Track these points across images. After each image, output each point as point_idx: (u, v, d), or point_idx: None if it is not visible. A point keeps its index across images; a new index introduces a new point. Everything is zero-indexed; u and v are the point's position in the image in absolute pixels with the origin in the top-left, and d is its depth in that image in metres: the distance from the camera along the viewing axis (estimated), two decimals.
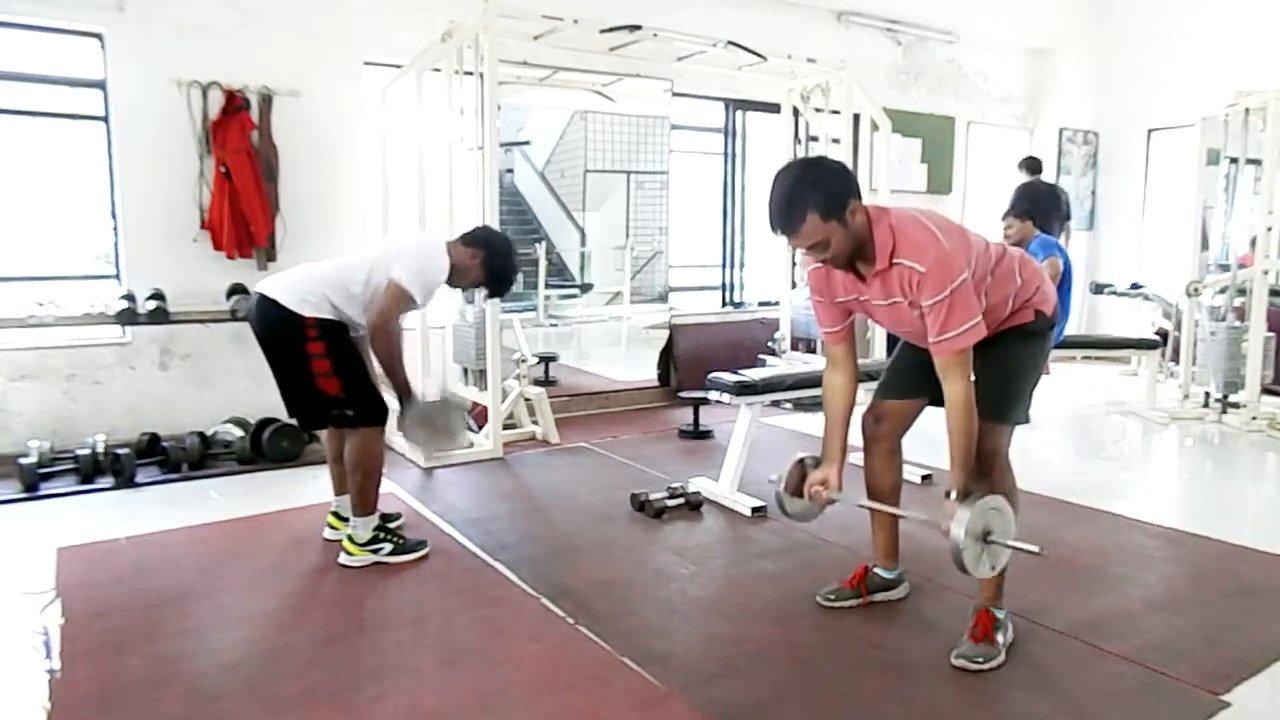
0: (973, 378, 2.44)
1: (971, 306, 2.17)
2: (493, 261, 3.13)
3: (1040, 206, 5.78)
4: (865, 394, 2.74)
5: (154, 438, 4.34)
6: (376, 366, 3.01)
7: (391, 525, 3.22)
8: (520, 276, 5.30)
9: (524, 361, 5.06)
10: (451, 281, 3.12)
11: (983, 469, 2.36)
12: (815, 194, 2.16)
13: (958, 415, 2.21)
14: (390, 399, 3.05)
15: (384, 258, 2.99)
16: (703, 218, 6.73)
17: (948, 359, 2.20)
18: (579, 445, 4.87)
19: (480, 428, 4.79)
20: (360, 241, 5.00)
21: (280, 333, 2.91)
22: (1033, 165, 6.96)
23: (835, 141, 5.61)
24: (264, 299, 2.92)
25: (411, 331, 4.34)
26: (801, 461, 2.63)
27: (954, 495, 2.21)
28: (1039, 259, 5.19)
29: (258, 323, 2.98)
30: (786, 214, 2.18)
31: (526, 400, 4.99)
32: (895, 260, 2.21)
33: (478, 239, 3.17)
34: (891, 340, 2.69)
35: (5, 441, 4.20)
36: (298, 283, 2.94)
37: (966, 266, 2.17)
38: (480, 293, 3.36)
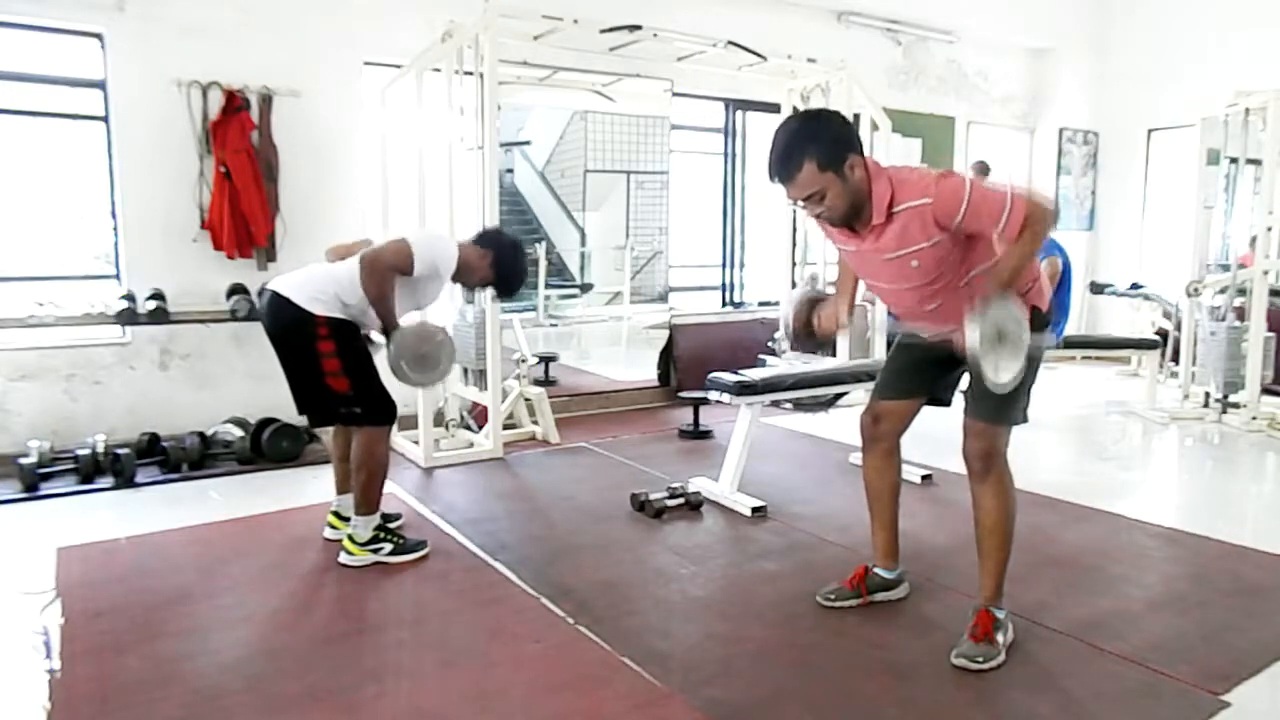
0: (966, 382, 2.44)
1: (997, 192, 2.12)
2: (502, 262, 3.15)
3: None
4: (865, 394, 2.74)
5: (154, 438, 4.34)
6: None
7: (392, 525, 3.23)
8: (525, 280, 5.30)
9: (524, 361, 5.06)
10: (460, 279, 3.14)
11: (982, 469, 2.37)
12: (814, 144, 2.18)
13: (1015, 249, 2.15)
14: (379, 337, 3.05)
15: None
16: (703, 218, 6.73)
17: (1021, 212, 2.11)
18: (579, 445, 4.87)
19: (480, 428, 4.79)
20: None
21: (291, 330, 2.93)
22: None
23: None
24: (276, 296, 2.94)
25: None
26: (809, 293, 2.67)
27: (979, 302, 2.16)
28: (1038, 258, 5.18)
29: (269, 320, 2.99)
30: (784, 162, 2.20)
31: (526, 400, 5.00)
32: (895, 209, 2.20)
33: (488, 240, 3.20)
34: (889, 340, 2.70)
35: (5, 441, 4.20)
36: (310, 282, 2.96)
37: (962, 181, 2.16)
38: (486, 293, 3.38)
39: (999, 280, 2.15)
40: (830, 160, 2.16)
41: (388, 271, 2.91)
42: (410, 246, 2.93)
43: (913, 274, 2.28)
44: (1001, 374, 2.16)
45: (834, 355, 5.73)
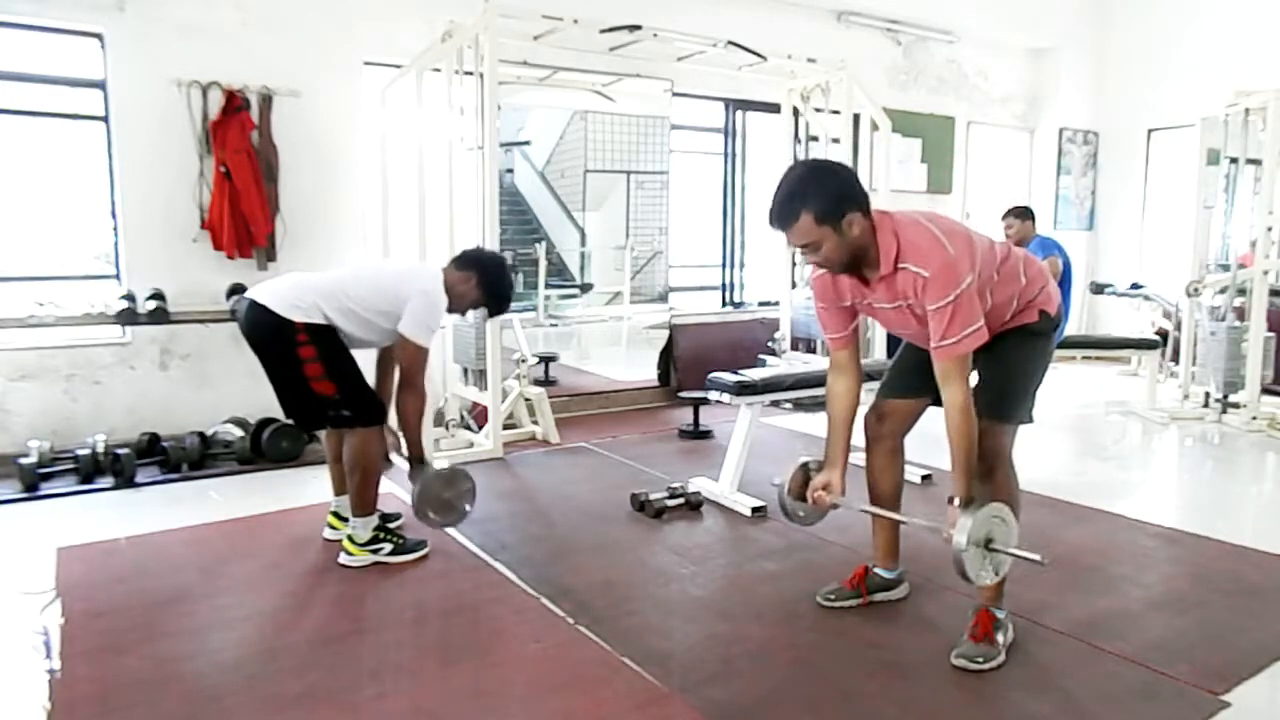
0: (975, 379, 2.45)
1: (974, 312, 2.18)
2: (487, 281, 3.14)
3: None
4: (868, 394, 2.74)
5: (154, 438, 4.34)
6: (393, 420, 3.08)
7: (391, 525, 3.22)
8: (520, 277, 5.31)
9: (524, 361, 5.06)
10: (451, 308, 3.13)
11: (986, 469, 2.37)
12: (814, 197, 2.18)
13: (957, 420, 2.21)
14: (402, 463, 3.11)
15: (388, 291, 2.98)
16: (703, 218, 6.73)
17: (948, 364, 2.20)
18: (579, 445, 4.87)
19: (480, 428, 4.79)
20: (360, 243, 5.01)
21: (271, 338, 2.92)
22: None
23: (835, 141, 5.61)
24: (254, 305, 2.93)
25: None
26: (805, 465, 2.63)
27: (957, 502, 2.21)
28: (1039, 258, 5.17)
29: (248, 328, 2.98)
30: (783, 209, 2.21)
31: (526, 400, 4.99)
32: (900, 265, 2.21)
33: (469, 261, 3.17)
34: (892, 341, 2.70)
35: (5, 441, 4.20)
36: (288, 290, 2.95)
37: (971, 271, 2.18)
38: (480, 313, 3.37)
39: (960, 493, 2.21)
40: (828, 215, 2.17)
41: (423, 390, 2.98)
42: (419, 343, 2.94)
43: (921, 322, 2.28)
44: (984, 577, 2.20)
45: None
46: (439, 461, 4.34)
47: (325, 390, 2.93)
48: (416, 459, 3.05)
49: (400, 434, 3.11)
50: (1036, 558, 2.12)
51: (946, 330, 2.17)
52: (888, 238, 2.21)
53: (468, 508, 3.16)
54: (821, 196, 2.18)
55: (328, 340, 2.94)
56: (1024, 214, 5.21)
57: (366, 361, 3.15)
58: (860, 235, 2.21)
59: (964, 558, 2.13)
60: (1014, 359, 2.40)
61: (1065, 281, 4.99)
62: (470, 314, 4.52)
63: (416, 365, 2.96)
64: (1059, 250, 5.06)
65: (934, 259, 2.16)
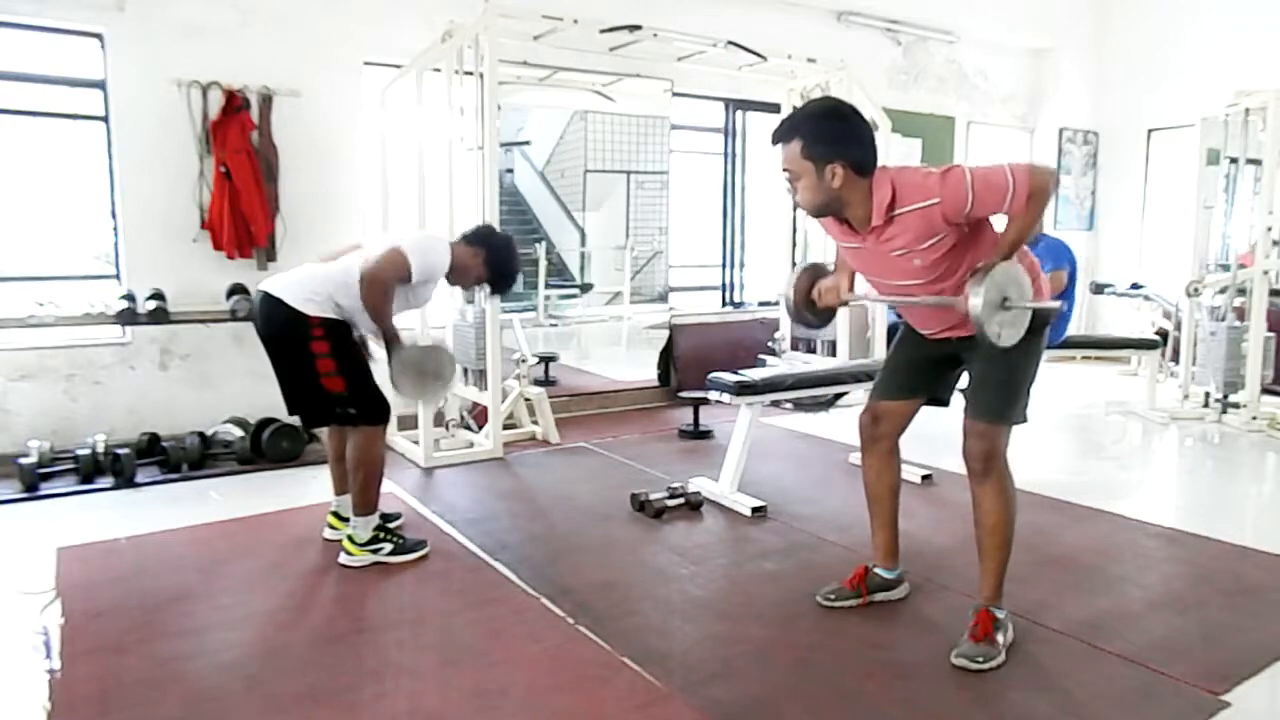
0: (965, 379, 2.45)
1: (998, 172, 2.14)
2: (494, 259, 3.15)
3: None
4: (865, 394, 2.74)
5: (154, 438, 4.34)
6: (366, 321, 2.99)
7: (391, 525, 3.22)
8: (520, 276, 5.30)
9: (524, 361, 5.06)
10: (454, 280, 3.14)
11: (982, 469, 2.37)
12: (812, 130, 2.23)
13: (1019, 220, 2.18)
14: (378, 351, 3.05)
15: (386, 245, 2.99)
16: (703, 218, 6.73)
17: (1022, 209, 2.15)
18: (579, 445, 4.87)
19: (480, 428, 4.79)
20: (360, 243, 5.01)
21: (285, 332, 2.92)
22: None
23: None
24: (268, 297, 2.92)
25: (411, 332, 4.34)
26: (811, 267, 2.66)
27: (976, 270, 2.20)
28: (1045, 267, 5.13)
29: (261, 321, 2.98)
30: (784, 126, 2.27)
31: (526, 400, 5.00)
32: (895, 212, 2.21)
33: (479, 237, 3.19)
34: (889, 339, 2.70)
35: (5, 441, 4.20)
36: (302, 282, 2.95)
37: (963, 173, 2.16)
38: (483, 291, 3.38)
39: (1002, 248, 2.20)
40: (814, 153, 2.20)
41: (389, 285, 2.91)
42: (406, 255, 2.92)
43: (916, 271, 2.29)
44: (1005, 339, 2.19)
45: (833, 342, 5.74)
46: (437, 458, 4.36)
47: (335, 387, 2.93)
48: (392, 338, 2.96)
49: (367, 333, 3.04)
50: (1056, 305, 2.19)
51: (998, 194, 2.13)
52: (884, 189, 2.21)
53: (448, 376, 3.09)
54: (818, 134, 2.22)
55: (341, 336, 2.94)
56: None
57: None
58: (840, 188, 2.22)
59: (983, 317, 2.11)
60: (1006, 358, 2.39)
61: (1070, 285, 4.97)
62: (469, 313, 4.55)
63: (388, 267, 2.88)
64: (1068, 258, 5.00)
65: (932, 182, 2.17)
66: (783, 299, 2.69)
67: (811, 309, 2.65)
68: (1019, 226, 2.19)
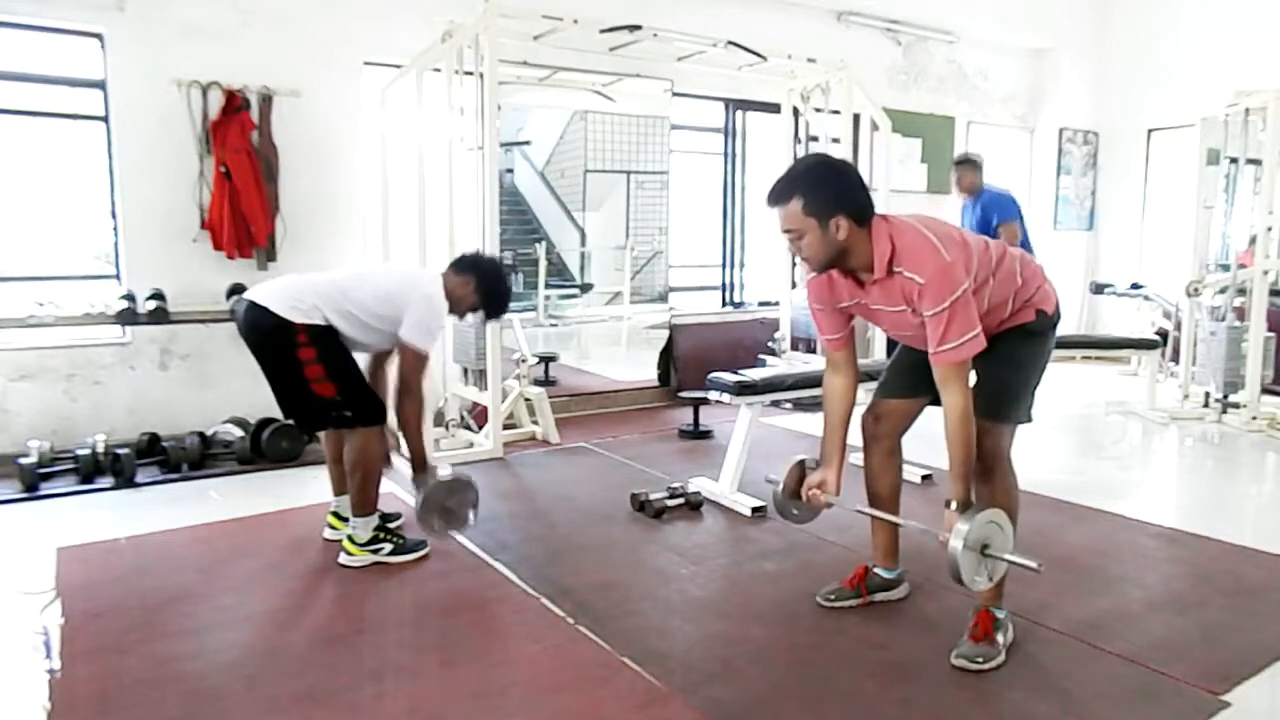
0: (973, 378, 2.45)
1: (971, 318, 2.18)
2: (485, 285, 3.17)
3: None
4: (865, 394, 2.74)
5: (154, 438, 4.34)
6: (393, 422, 3.08)
7: (391, 525, 3.22)
8: (520, 277, 5.31)
9: (524, 361, 5.06)
10: (449, 311, 3.14)
11: (985, 468, 2.37)
12: (810, 187, 2.21)
13: (956, 425, 2.21)
14: (403, 465, 3.11)
15: (389, 296, 2.99)
16: (703, 218, 6.73)
17: (946, 370, 2.20)
18: (579, 445, 4.87)
19: (480, 428, 4.79)
20: (360, 243, 5.01)
21: (271, 340, 2.91)
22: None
23: (835, 141, 5.61)
24: (253, 306, 2.93)
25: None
26: (801, 463, 2.64)
27: (954, 505, 2.21)
28: (992, 220, 5.09)
29: (247, 330, 2.97)
30: (779, 189, 2.25)
31: (526, 400, 4.99)
32: (895, 269, 2.22)
33: (467, 265, 3.20)
34: (892, 340, 2.70)
35: (5, 441, 4.20)
36: (287, 290, 2.95)
37: (967, 276, 2.18)
38: (477, 316, 3.39)
39: (958, 497, 2.20)
40: (816, 209, 2.19)
41: (420, 395, 2.98)
42: (415, 349, 2.95)
43: (919, 327, 2.28)
44: (979, 583, 2.20)
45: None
46: (442, 466, 4.35)
47: (326, 391, 2.92)
48: (419, 464, 3.05)
49: (400, 435, 3.11)
50: (1033, 564, 2.10)
51: (944, 336, 2.17)
52: (883, 242, 2.22)
53: (471, 516, 3.16)
54: (817, 191, 2.20)
55: (328, 341, 2.93)
56: (968, 164, 5.18)
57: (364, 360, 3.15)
58: (846, 240, 2.21)
59: (960, 562, 2.12)
60: (1012, 359, 2.40)
61: (1025, 238, 4.96)
62: (469, 316, 4.55)
63: (417, 371, 2.95)
64: (1016, 210, 4.97)
65: (929, 264, 2.16)
66: (770, 494, 2.68)
67: (798, 506, 2.61)
68: (960, 446, 2.20)
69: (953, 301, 2.14)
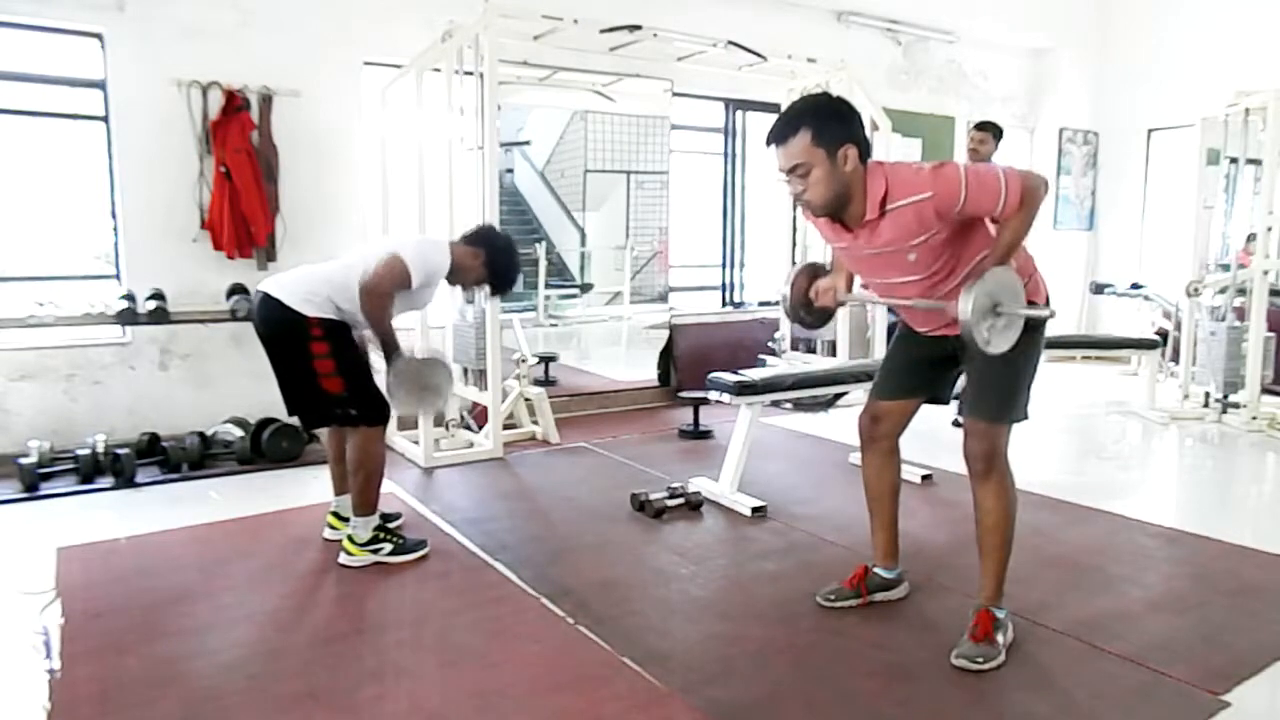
0: (964, 380, 2.45)
1: (992, 175, 2.15)
2: (494, 259, 3.15)
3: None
4: (865, 394, 2.75)
5: (154, 438, 4.34)
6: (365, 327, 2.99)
7: (391, 525, 3.23)
8: (520, 276, 5.30)
9: (524, 361, 5.06)
10: (454, 280, 3.14)
11: (982, 469, 2.37)
12: (816, 118, 2.20)
13: (1012, 223, 2.17)
14: (377, 357, 3.04)
15: (385, 250, 2.98)
16: (703, 218, 6.73)
17: (1014, 212, 2.16)
18: (579, 445, 4.87)
19: (480, 428, 4.79)
20: (360, 243, 5.00)
21: (284, 333, 2.92)
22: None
23: None
24: (267, 298, 2.92)
25: (411, 332, 4.34)
26: (810, 265, 2.66)
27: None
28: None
29: (261, 322, 2.98)
30: (784, 124, 2.23)
31: (526, 400, 4.99)
32: (889, 206, 2.20)
33: (479, 238, 3.19)
34: (890, 338, 2.70)
35: (5, 441, 4.20)
36: (301, 283, 2.95)
37: (958, 169, 2.17)
38: (483, 291, 3.38)
39: (995, 255, 2.20)
40: (826, 139, 2.18)
41: (388, 296, 2.90)
42: (405, 263, 2.91)
43: (909, 267, 2.28)
44: (994, 345, 2.18)
45: (833, 342, 5.74)
46: (437, 458, 4.35)
47: (334, 388, 2.93)
48: (390, 347, 2.94)
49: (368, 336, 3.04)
50: (1046, 313, 2.15)
51: (989, 199, 2.13)
52: (878, 181, 2.21)
53: (443, 392, 3.09)
54: (826, 120, 2.20)
55: (340, 336, 2.94)
56: (992, 128, 5.17)
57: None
58: (851, 173, 2.20)
59: (972, 323, 2.10)
60: (1004, 357, 2.39)
61: None
62: (469, 313, 4.55)
63: (388, 276, 2.86)
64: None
65: (924, 176, 2.17)
66: (780, 297, 2.68)
67: (808, 309, 2.65)
68: (1012, 230, 2.18)
69: (965, 182, 2.13)
